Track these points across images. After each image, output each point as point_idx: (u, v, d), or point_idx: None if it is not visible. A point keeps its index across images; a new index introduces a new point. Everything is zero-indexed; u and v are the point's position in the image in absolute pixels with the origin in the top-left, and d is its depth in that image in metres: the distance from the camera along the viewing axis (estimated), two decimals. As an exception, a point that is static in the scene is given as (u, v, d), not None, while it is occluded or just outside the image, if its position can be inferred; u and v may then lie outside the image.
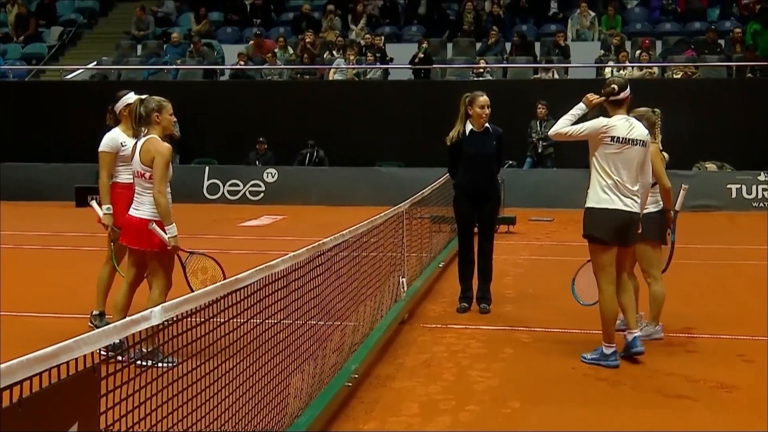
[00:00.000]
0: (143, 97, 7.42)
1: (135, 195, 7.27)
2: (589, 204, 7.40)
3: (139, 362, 3.84)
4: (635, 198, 7.37)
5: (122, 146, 8.11)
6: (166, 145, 7.19)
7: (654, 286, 8.15)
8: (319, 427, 5.67)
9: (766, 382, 6.86)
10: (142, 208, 7.18)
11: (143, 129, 7.22)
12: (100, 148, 8.22)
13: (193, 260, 7.50)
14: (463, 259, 9.53)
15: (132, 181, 7.67)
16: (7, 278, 11.09)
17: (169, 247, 7.07)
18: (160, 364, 3.98)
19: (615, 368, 7.30)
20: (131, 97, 8.03)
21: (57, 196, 20.71)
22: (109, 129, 8.41)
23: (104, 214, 8.19)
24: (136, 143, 7.27)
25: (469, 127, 9.31)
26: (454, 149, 9.34)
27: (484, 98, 9.29)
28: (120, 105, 8.31)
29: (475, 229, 9.53)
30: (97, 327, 4.13)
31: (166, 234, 7.04)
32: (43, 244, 14.56)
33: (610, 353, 7.37)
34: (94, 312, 8.33)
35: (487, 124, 9.33)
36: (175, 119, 7.72)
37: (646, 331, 8.16)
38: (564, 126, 7.56)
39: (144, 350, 4.17)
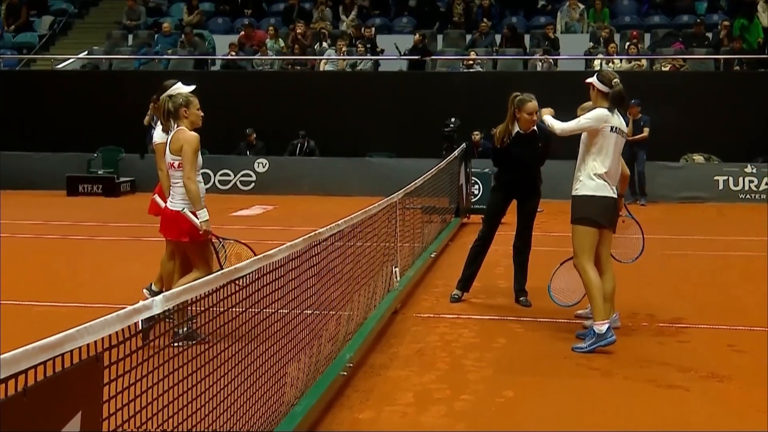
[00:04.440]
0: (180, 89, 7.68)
1: (170, 187, 7.41)
2: (585, 192, 7.68)
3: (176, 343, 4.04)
4: (615, 185, 7.82)
5: None
6: (194, 134, 7.40)
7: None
8: (315, 416, 5.71)
9: (757, 372, 6.93)
10: (175, 200, 7.35)
11: (173, 124, 7.42)
12: (157, 140, 7.96)
13: (226, 246, 7.63)
14: (479, 245, 9.52)
15: None
16: (6, 267, 11.11)
17: (200, 232, 7.21)
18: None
19: (613, 343, 7.42)
20: (180, 87, 8.00)
21: (48, 185, 20.74)
22: (153, 120, 8.35)
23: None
24: (168, 137, 7.42)
25: (516, 128, 9.10)
26: (499, 150, 9.20)
27: (532, 104, 8.96)
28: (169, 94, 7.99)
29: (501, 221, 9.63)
30: None
31: (197, 219, 7.19)
32: (39, 233, 14.55)
33: (605, 330, 7.43)
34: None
35: (534, 127, 9.12)
36: (202, 114, 7.62)
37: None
38: (564, 123, 7.86)
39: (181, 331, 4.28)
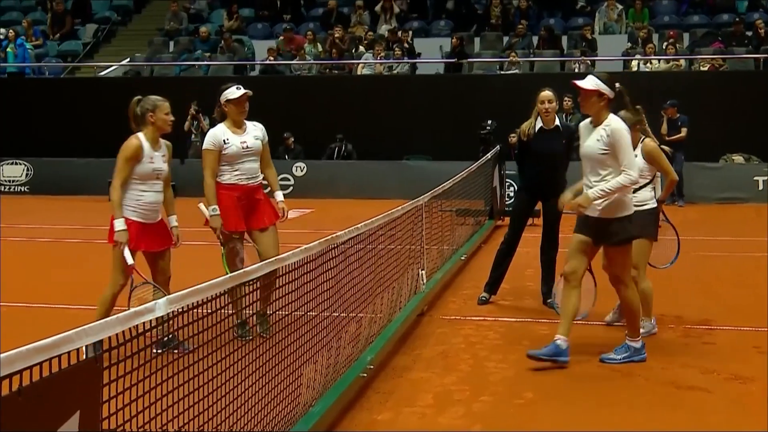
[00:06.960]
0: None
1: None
2: (626, 212, 7.19)
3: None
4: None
5: (225, 143, 7.79)
6: (133, 142, 7.24)
7: (643, 284, 7.95)
8: (333, 417, 5.75)
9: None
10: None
11: (137, 128, 7.31)
12: (203, 146, 7.97)
13: (143, 289, 7.25)
14: (505, 248, 9.56)
15: (239, 182, 7.88)
16: (42, 271, 11.29)
17: (119, 241, 7.11)
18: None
19: (644, 361, 7.29)
20: (232, 92, 7.82)
21: (91, 190, 20.95)
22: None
23: (211, 215, 7.79)
24: None
25: (539, 124, 9.08)
26: (523, 146, 9.26)
27: (545, 93, 8.98)
28: (222, 99, 7.93)
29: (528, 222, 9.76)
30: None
31: (117, 227, 7.11)
32: (80, 237, 14.75)
33: (640, 345, 7.36)
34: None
35: (558, 122, 9.12)
36: (172, 118, 7.44)
37: (645, 328, 8.15)
38: (626, 175, 7.03)
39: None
